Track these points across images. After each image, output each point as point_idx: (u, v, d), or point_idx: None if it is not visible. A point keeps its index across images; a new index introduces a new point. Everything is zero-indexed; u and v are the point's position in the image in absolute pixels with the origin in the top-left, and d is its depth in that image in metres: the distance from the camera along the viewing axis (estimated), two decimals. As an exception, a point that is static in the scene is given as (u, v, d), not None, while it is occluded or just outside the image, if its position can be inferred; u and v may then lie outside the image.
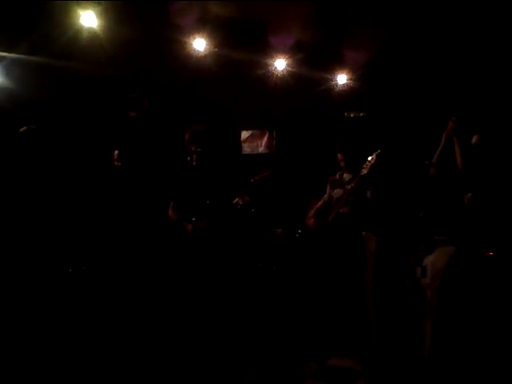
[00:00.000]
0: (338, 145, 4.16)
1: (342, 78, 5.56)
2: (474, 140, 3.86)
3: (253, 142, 6.03)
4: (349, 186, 3.94)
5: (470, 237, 3.40)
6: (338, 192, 4.10)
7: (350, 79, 5.56)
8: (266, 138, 6.00)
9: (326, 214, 4.13)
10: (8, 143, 3.66)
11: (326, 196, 4.27)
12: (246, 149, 6.01)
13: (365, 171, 3.84)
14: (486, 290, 3.31)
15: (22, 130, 3.61)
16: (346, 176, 4.16)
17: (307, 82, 5.50)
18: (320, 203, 4.29)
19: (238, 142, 5.98)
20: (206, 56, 4.79)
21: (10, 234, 3.40)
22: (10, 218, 3.42)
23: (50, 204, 3.56)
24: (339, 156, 4.12)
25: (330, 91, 5.67)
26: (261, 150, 6.01)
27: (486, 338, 3.31)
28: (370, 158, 3.86)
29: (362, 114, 5.85)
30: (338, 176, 4.21)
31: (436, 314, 3.38)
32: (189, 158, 3.99)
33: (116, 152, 4.34)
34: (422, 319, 3.51)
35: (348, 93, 5.65)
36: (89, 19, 4.13)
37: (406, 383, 3.45)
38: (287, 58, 5.15)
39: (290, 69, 5.26)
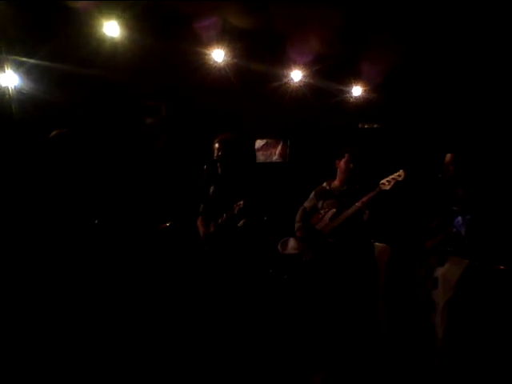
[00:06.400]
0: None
1: (357, 90, 5.61)
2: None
3: (267, 151, 6.04)
4: (365, 199, 3.77)
5: (480, 249, 3.42)
6: (330, 203, 4.03)
7: (366, 91, 5.60)
8: (280, 147, 6.02)
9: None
10: (32, 147, 3.71)
11: (307, 205, 4.24)
12: (260, 157, 6.02)
13: (387, 187, 3.68)
14: (497, 303, 3.33)
15: (52, 134, 3.55)
16: (337, 187, 4.09)
17: (322, 92, 5.56)
18: (300, 213, 4.29)
19: (253, 151, 6.04)
20: (224, 66, 4.89)
21: (42, 236, 3.40)
22: (42, 222, 3.42)
23: (82, 207, 3.54)
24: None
25: (344, 102, 5.71)
26: (275, 158, 6.02)
27: (498, 350, 3.33)
28: (396, 175, 3.68)
29: (376, 126, 5.88)
30: (326, 186, 4.15)
31: (447, 326, 3.42)
32: (205, 167, 4.05)
33: None
34: (433, 330, 3.55)
35: (363, 104, 5.68)
36: (112, 29, 4.27)
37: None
38: (304, 70, 5.22)
39: (306, 80, 5.34)
